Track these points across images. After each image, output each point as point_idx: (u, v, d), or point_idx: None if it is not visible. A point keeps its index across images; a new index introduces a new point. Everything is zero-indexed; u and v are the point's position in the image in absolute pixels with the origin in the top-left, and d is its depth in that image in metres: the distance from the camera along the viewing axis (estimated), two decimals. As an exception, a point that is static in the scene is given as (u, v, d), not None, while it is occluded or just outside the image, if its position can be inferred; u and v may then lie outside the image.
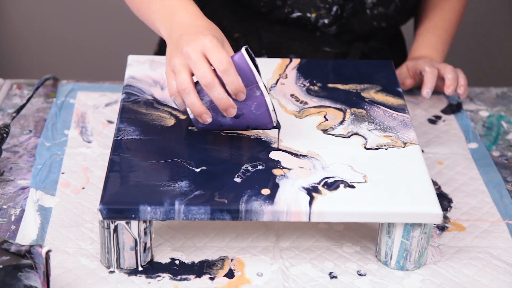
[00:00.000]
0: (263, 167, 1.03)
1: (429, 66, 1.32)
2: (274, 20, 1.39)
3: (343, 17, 1.37)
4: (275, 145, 1.07)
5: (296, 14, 1.36)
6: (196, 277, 1.00)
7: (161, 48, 1.54)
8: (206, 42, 1.02)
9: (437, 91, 1.36)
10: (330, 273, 1.02)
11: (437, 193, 1.08)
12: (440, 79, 1.33)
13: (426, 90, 1.29)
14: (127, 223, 0.97)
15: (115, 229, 0.98)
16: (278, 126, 1.06)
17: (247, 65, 1.02)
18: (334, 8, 1.35)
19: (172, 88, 1.05)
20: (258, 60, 1.26)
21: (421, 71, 1.34)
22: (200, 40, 1.03)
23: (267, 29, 1.40)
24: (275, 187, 1.00)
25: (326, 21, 1.36)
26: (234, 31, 1.42)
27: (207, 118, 1.04)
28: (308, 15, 1.36)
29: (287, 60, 1.26)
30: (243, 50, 1.03)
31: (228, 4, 1.42)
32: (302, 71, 1.24)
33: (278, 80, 1.22)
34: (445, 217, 1.12)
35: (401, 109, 1.16)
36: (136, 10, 1.20)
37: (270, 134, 1.09)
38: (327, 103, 1.17)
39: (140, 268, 1.01)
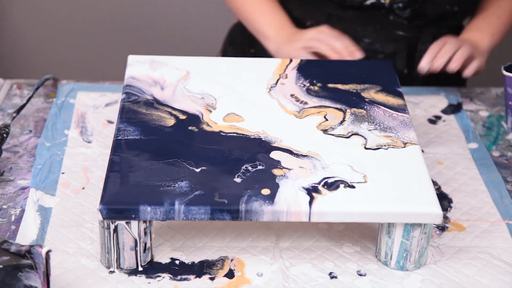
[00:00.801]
0: (263, 167, 1.03)
1: (441, 41, 1.34)
2: (347, 6, 1.40)
3: (417, 1, 1.38)
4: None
5: (370, 0, 1.38)
6: (196, 277, 1.00)
7: (225, 52, 1.59)
8: None
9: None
10: (330, 273, 1.02)
11: (437, 193, 1.08)
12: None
13: (421, 64, 1.33)
14: (127, 223, 0.97)
15: (115, 229, 0.98)
16: None
17: None
18: None
19: None
20: (257, 60, 1.26)
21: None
22: None
23: (339, 15, 1.42)
24: (275, 187, 1.00)
25: (400, 4, 1.38)
26: (306, 19, 1.44)
27: None
28: (382, 1, 1.37)
29: (287, 60, 1.26)
30: None
31: None
32: (302, 71, 1.24)
33: (278, 80, 1.22)
34: (445, 217, 1.12)
35: (401, 109, 1.16)
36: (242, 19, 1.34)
37: (270, 134, 1.09)
38: (327, 103, 1.17)
39: (140, 268, 1.01)
